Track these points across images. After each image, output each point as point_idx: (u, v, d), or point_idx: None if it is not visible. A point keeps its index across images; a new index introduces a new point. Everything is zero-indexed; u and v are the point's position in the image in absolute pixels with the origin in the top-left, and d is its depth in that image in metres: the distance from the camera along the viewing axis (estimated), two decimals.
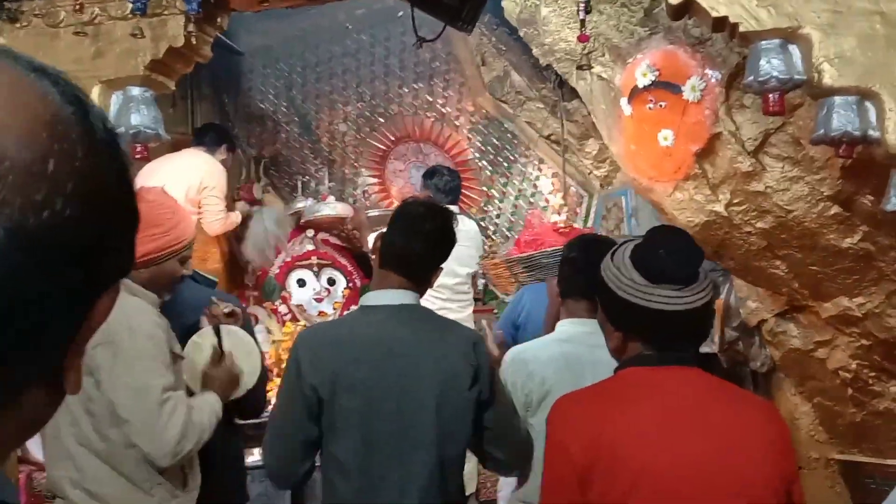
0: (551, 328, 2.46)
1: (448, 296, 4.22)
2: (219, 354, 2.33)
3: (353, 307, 4.05)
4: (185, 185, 4.15)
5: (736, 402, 1.56)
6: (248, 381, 2.41)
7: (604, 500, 1.46)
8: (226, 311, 2.40)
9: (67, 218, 0.48)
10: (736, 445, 1.47)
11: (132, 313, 2.13)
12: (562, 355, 2.29)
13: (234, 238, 4.90)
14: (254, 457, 3.21)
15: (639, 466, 1.45)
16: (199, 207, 4.33)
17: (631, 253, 1.54)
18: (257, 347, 2.47)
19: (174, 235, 2.23)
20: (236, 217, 4.65)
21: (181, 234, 2.26)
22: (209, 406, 2.22)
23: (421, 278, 2.17)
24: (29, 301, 0.48)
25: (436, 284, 4.19)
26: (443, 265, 2.21)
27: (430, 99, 4.86)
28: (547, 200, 4.78)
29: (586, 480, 1.47)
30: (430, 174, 4.44)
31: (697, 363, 1.58)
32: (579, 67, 2.40)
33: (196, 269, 2.71)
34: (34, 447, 3.64)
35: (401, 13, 4.48)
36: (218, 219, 4.41)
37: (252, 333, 2.63)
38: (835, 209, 2.88)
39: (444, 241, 2.18)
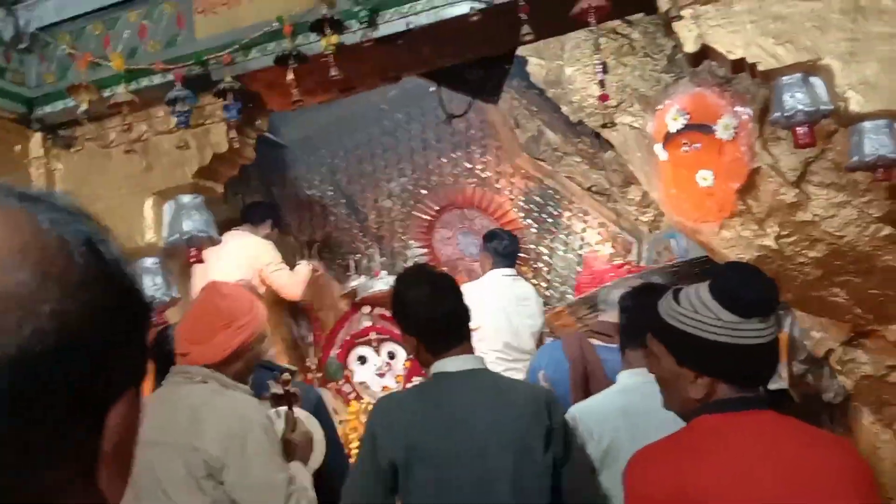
0: (578, 392, 2.46)
1: (515, 356, 4.26)
2: (293, 420, 2.38)
3: (416, 378, 4.08)
4: (242, 269, 4.29)
5: (813, 443, 1.52)
6: (319, 452, 2.46)
7: None
8: (286, 387, 2.46)
9: (53, 342, 0.48)
10: (816, 488, 1.44)
11: (248, 409, 2.20)
12: (618, 410, 2.29)
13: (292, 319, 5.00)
14: None
15: None
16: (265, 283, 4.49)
17: (712, 291, 1.52)
18: (318, 423, 2.52)
19: (258, 321, 2.32)
20: (305, 270, 4.77)
21: (262, 317, 2.35)
22: (306, 479, 2.27)
23: (466, 336, 2.20)
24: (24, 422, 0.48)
25: (501, 345, 4.26)
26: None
27: (469, 166, 4.96)
28: (595, 252, 4.79)
29: None
30: (489, 237, 4.54)
31: (770, 404, 1.56)
32: (603, 126, 2.44)
33: (272, 361, 2.80)
34: None
35: (432, 88, 4.61)
36: (293, 281, 4.59)
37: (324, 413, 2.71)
38: (887, 230, 2.83)
39: (456, 289, 2.22)
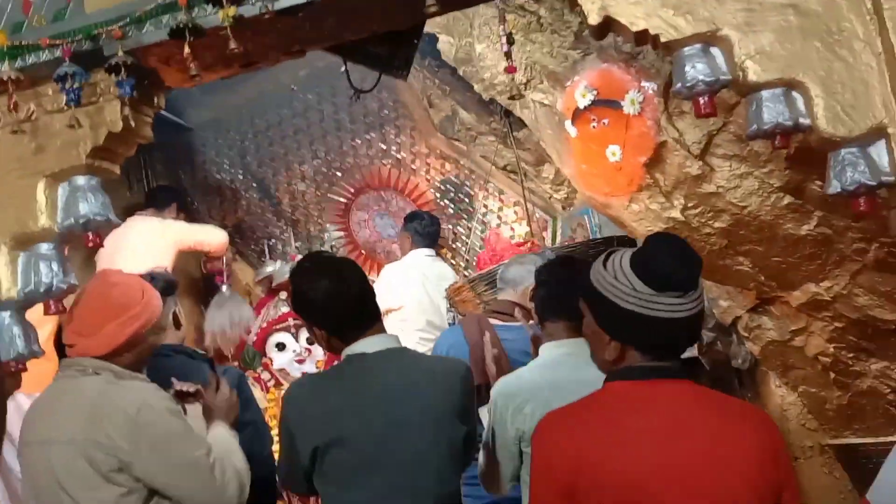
0: (479, 375, 2.49)
1: (438, 335, 4.28)
2: (216, 381, 2.32)
3: (337, 363, 4.04)
4: (154, 254, 4.16)
5: (725, 414, 1.54)
6: None
7: None
8: (191, 390, 2.39)
9: None
10: (724, 457, 1.46)
11: (148, 396, 2.12)
12: (547, 383, 2.29)
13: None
14: None
15: (624, 482, 1.45)
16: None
17: (631, 262, 1.53)
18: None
19: (150, 311, 2.23)
20: (222, 235, 4.75)
21: (155, 307, 2.26)
22: (229, 443, 2.22)
23: (376, 317, 2.18)
24: None
25: (424, 324, 4.27)
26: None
27: (384, 147, 4.91)
28: (513, 229, 4.83)
29: (571, 498, 1.47)
30: (410, 217, 4.62)
31: (686, 374, 1.57)
32: (511, 98, 2.44)
33: (193, 347, 2.72)
34: None
35: (343, 68, 4.54)
36: (211, 239, 4.55)
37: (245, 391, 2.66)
38: (787, 199, 2.93)
39: (355, 271, 2.20)
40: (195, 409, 2.37)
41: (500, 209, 4.85)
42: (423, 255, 4.53)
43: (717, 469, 1.44)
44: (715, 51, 1.99)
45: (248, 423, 2.52)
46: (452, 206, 4.95)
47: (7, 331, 2.23)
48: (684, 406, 1.51)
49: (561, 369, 2.31)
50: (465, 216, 4.95)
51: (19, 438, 2.25)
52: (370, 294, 2.16)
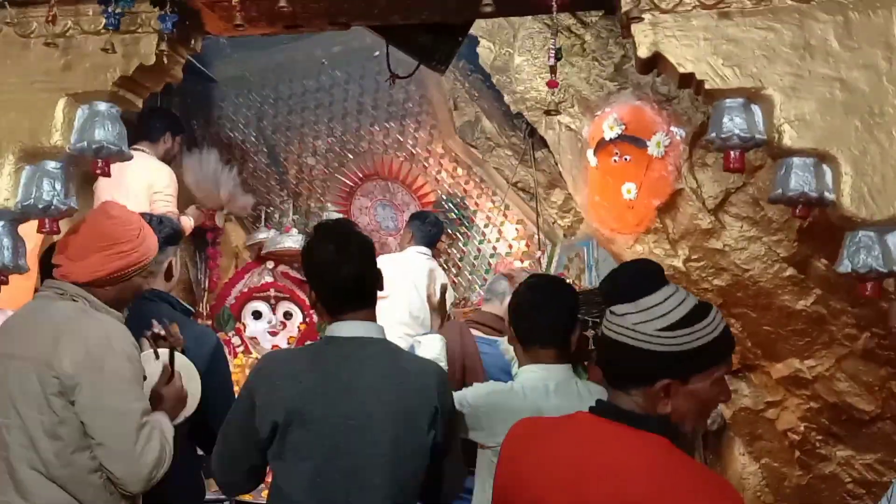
0: (454, 385, 2.46)
1: (421, 331, 4.29)
2: (169, 374, 2.29)
3: (308, 343, 4.02)
4: (140, 199, 4.09)
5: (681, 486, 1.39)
6: (189, 404, 2.37)
7: None
8: (161, 333, 2.37)
9: None
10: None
11: (111, 333, 2.11)
12: (532, 410, 2.27)
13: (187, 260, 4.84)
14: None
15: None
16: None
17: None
18: (197, 373, 2.42)
19: (141, 252, 2.22)
20: (188, 222, 4.58)
21: (147, 250, 2.25)
22: (169, 428, 2.18)
23: (369, 302, 2.15)
24: None
25: (409, 318, 4.25)
26: (381, 281, 2.17)
27: (401, 139, 4.89)
28: (510, 246, 4.82)
29: (503, 501, 1.49)
30: (418, 216, 4.69)
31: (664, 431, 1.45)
32: (547, 112, 2.43)
33: (175, 296, 2.70)
34: None
35: (377, 53, 4.52)
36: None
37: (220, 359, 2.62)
38: (790, 271, 2.93)
39: (368, 249, 2.15)
40: (165, 356, 2.34)
41: (503, 224, 4.84)
42: (418, 252, 4.54)
43: None
44: (755, 108, 1.99)
45: (218, 405, 2.47)
46: (456, 211, 4.93)
47: None
48: (641, 465, 1.40)
49: (545, 396, 2.31)
50: (468, 224, 4.94)
51: None
52: (370, 279, 2.13)
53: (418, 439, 2.06)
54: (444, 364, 2.47)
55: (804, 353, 3.08)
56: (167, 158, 4.51)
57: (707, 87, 1.98)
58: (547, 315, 2.36)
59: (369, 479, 2.00)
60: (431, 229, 4.64)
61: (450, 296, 4.53)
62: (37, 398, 2.04)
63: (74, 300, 2.15)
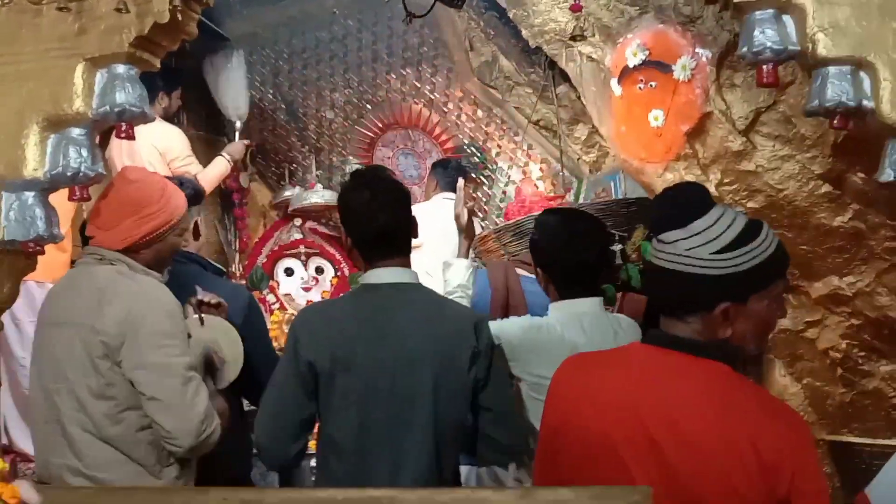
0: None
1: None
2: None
3: (351, 290, 4.06)
4: (145, 159, 4.09)
5: (744, 408, 1.38)
6: (233, 369, 2.39)
7: (569, 463, 1.46)
8: (213, 301, 2.39)
9: None
10: (705, 444, 1.35)
11: (151, 292, 2.14)
12: (564, 341, 2.28)
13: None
14: None
15: (601, 436, 1.42)
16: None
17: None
18: (239, 337, 2.43)
19: (169, 210, 2.24)
20: (224, 167, 4.58)
21: (176, 207, 2.27)
22: (221, 402, 2.21)
23: (404, 249, 2.15)
24: None
25: (432, 268, 4.27)
26: (416, 229, 2.18)
27: (419, 85, 4.83)
28: (535, 186, 4.77)
29: (558, 441, 1.49)
30: (437, 164, 4.71)
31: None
32: (573, 38, 2.38)
33: (206, 257, 2.72)
34: (19, 436, 3.59)
35: None
36: (203, 179, 4.27)
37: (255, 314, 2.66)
38: (826, 188, 2.88)
39: (404, 198, 2.16)
40: (213, 321, 2.36)
41: (527, 164, 4.79)
42: (445, 199, 4.52)
43: (696, 456, 1.35)
44: (787, 19, 1.93)
45: (260, 353, 2.51)
46: (479, 154, 4.89)
47: (29, 210, 2.20)
48: (706, 387, 1.40)
49: (581, 328, 2.31)
50: (491, 166, 4.90)
51: (37, 319, 2.27)
52: (405, 227, 2.14)
53: (460, 379, 2.09)
54: (469, 291, 2.46)
55: (843, 269, 3.03)
56: (168, 116, 4.50)
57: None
58: (572, 250, 2.35)
59: (415, 420, 2.04)
60: (455, 173, 4.62)
61: (477, 223, 4.54)
62: (83, 362, 2.08)
63: (113, 264, 2.17)
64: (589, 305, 2.38)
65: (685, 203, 1.48)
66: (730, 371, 1.42)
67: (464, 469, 2.85)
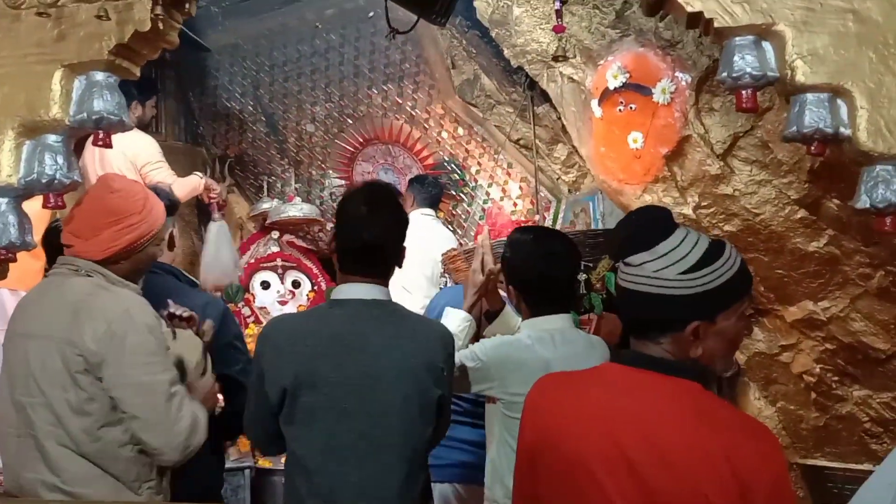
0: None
1: (424, 288, 4.32)
2: (203, 368, 2.27)
3: (320, 305, 4.03)
4: (116, 167, 4.04)
5: (718, 427, 1.38)
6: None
7: (547, 484, 1.45)
8: (184, 315, 2.35)
9: None
10: (680, 464, 1.34)
11: (132, 307, 2.09)
12: (538, 358, 2.28)
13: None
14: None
15: (573, 459, 1.42)
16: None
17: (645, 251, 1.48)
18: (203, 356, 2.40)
19: (151, 220, 2.21)
20: (197, 182, 4.51)
21: (157, 217, 2.23)
22: (201, 413, 2.16)
23: (383, 272, 2.14)
24: None
25: (426, 293, 4.28)
26: (402, 257, 2.17)
27: (400, 101, 4.83)
28: (515, 204, 4.79)
29: (535, 463, 1.48)
30: (417, 180, 4.70)
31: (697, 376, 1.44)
32: (555, 59, 2.39)
33: (180, 268, 2.69)
34: None
35: (371, 13, 4.45)
36: (176, 185, 4.13)
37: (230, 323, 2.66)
38: (802, 213, 2.90)
39: (398, 224, 2.15)
40: (183, 335, 2.33)
41: (506, 182, 4.81)
42: (423, 214, 4.52)
43: (672, 473, 1.34)
44: (767, 45, 1.95)
45: (237, 360, 2.49)
46: (459, 171, 4.90)
47: (2, 217, 2.17)
48: (672, 405, 1.41)
49: (553, 345, 2.31)
50: (471, 183, 4.90)
51: (6, 330, 2.22)
52: (391, 252, 2.12)
53: (427, 397, 2.08)
54: (460, 343, 2.44)
55: (818, 294, 3.06)
56: (142, 126, 4.46)
57: (716, 25, 1.94)
58: (546, 268, 2.36)
59: (383, 438, 2.01)
60: (432, 190, 4.66)
61: (455, 240, 4.54)
62: (61, 376, 2.03)
63: (90, 276, 2.13)
64: (560, 322, 2.39)
65: (650, 225, 1.50)
66: (701, 389, 1.43)
67: (439, 487, 2.84)
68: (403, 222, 2.16)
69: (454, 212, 4.98)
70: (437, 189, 4.70)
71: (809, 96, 1.91)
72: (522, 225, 4.23)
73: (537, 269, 2.38)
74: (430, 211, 4.59)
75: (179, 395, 2.08)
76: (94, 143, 2.19)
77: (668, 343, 1.44)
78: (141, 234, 2.19)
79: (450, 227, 4.90)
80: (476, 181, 4.88)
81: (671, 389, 1.41)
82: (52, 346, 2.04)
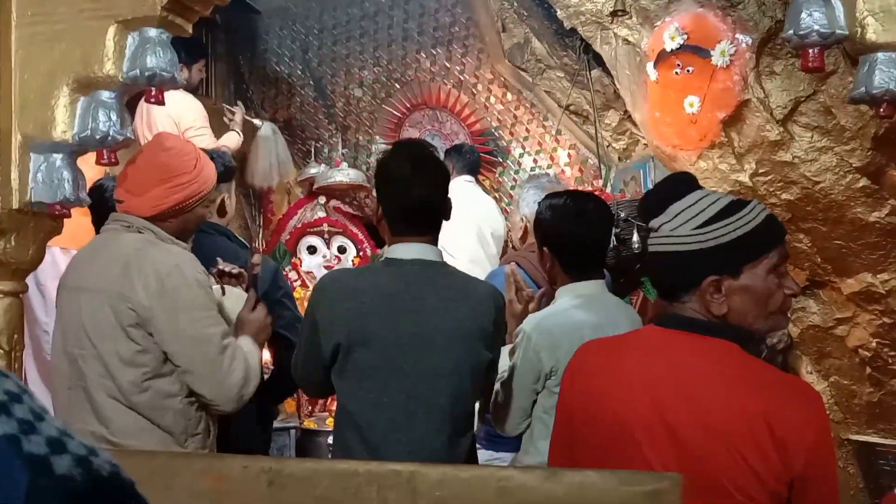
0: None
1: (489, 268, 4.33)
2: (255, 300, 2.30)
3: (373, 263, 4.03)
4: (161, 127, 4.06)
5: (757, 386, 1.36)
6: None
7: (586, 448, 1.43)
8: (234, 271, 2.37)
9: None
10: (723, 424, 1.32)
11: (181, 262, 2.11)
12: (583, 323, 2.25)
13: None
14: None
15: (614, 422, 1.41)
16: None
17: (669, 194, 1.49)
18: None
19: (201, 181, 2.21)
20: (234, 140, 4.55)
21: (207, 178, 2.24)
22: (254, 351, 2.20)
23: (433, 228, 2.12)
24: None
25: (473, 257, 4.28)
26: (449, 211, 2.15)
27: (448, 65, 4.78)
28: (563, 172, 4.72)
29: (574, 426, 1.46)
30: (451, 150, 4.61)
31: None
32: (613, 14, 2.32)
33: (230, 229, 2.71)
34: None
35: None
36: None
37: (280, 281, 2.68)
38: (863, 181, 2.81)
39: (444, 177, 2.12)
40: (233, 292, 2.35)
41: (555, 150, 4.74)
42: (463, 181, 4.53)
43: (709, 434, 1.33)
44: (835, 1, 1.86)
45: (287, 317, 2.52)
46: (508, 137, 4.84)
47: (57, 173, 2.20)
48: (704, 365, 1.39)
49: (594, 310, 2.28)
50: (519, 150, 4.84)
51: (59, 282, 2.25)
52: (439, 205, 2.10)
53: (477, 359, 2.07)
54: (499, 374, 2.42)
55: (877, 266, 2.97)
56: (190, 89, 4.47)
57: None
58: (576, 228, 2.32)
59: (433, 399, 2.01)
60: (470, 156, 4.60)
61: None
62: (112, 329, 2.06)
63: (141, 232, 2.15)
64: (597, 287, 2.36)
65: (670, 189, 1.50)
66: (739, 349, 1.40)
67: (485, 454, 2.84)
68: (447, 175, 2.15)
69: (501, 178, 4.93)
70: (474, 155, 4.65)
71: (880, 55, 1.82)
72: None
73: (568, 228, 2.34)
74: (470, 177, 4.57)
75: (231, 347, 2.10)
76: (147, 100, 2.20)
77: (693, 301, 1.42)
78: (191, 194, 2.19)
79: (496, 194, 4.85)
80: (524, 147, 4.82)
81: (709, 350, 1.39)
82: (104, 299, 2.07)
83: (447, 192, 2.12)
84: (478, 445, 2.91)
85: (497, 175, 4.95)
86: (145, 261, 2.08)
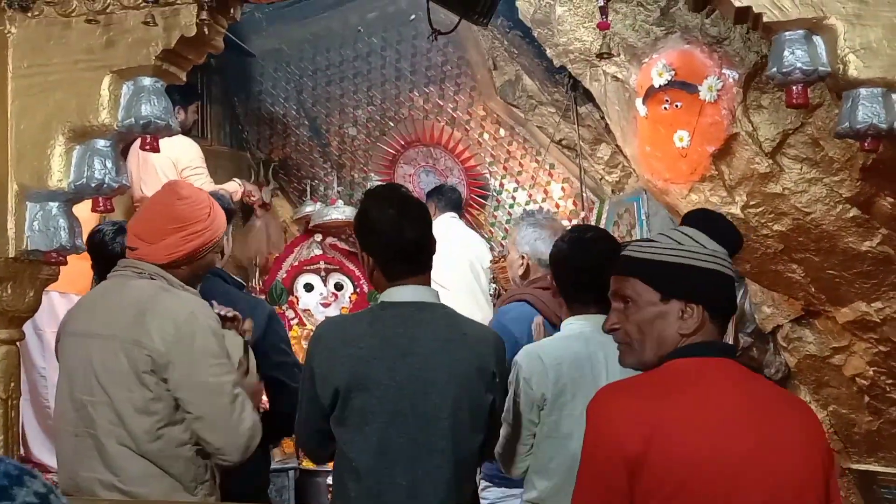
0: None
1: (483, 300, 4.35)
2: (245, 368, 2.29)
3: (371, 307, 4.02)
4: (160, 168, 4.11)
5: (776, 400, 1.48)
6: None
7: (652, 494, 1.38)
8: (228, 314, 2.38)
9: None
10: (779, 442, 1.41)
11: (196, 309, 2.11)
12: (575, 354, 2.25)
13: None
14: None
15: (689, 460, 1.38)
16: None
17: (691, 225, 1.52)
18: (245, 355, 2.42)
19: (214, 228, 2.22)
20: (236, 188, 4.66)
21: (220, 226, 2.25)
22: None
23: (426, 267, 2.13)
24: None
25: (469, 289, 4.30)
26: (434, 247, 2.15)
27: (441, 103, 4.83)
28: (557, 206, 4.75)
29: (636, 473, 1.39)
30: (432, 192, 4.80)
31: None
32: (599, 56, 2.36)
33: (225, 270, 2.71)
34: (38, 447, 3.59)
35: (413, 16, 4.47)
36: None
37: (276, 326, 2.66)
38: (854, 211, 2.83)
39: (426, 214, 2.15)
40: (228, 335, 2.35)
41: (548, 183, 4.77)
42: (448, 217, 4.61)
43: (773, 454, 1.39)
44: (817, 39, 1.91)
45: (283, 362, 2.51)
46: (502, 172, 4.88)
47: (53, 221, 2.22)
48: (739, 387, 1.45)
49: (591, 344, 2.28)
50: (513, 185, 4.88)
51: (60, 328, 2.25)
52: (428, 244, 2.11)
53: (478, 402, 2.06)
54: None
55: (871, 295, 2.98)
56: (184, 130, 4.51)
57: (765, 19, 1.90)
58: (591, 271, 2.32)
59: (434, 443, 1.99)
60: (451, 195, 4.72)
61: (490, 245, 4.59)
62: (125, 376, 2.04)
63: (153, 278, 2.15)
64: (595, 321, 2.36)
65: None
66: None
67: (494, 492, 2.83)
68: (427, 211, 2.18)
69: (495, 213, 4.96)
70: (455, 194, 4.77)
71: (862, 91, 1.86)
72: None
73: (572, 273, 2.35)
74: (454, 214, 4.65)
75: (241, 396, 2.10)
76: (142, 148, 2.24)
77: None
78: (204, 242, 2.21)
79: (491, 228, 4.89)
80: (518, 182, 4.86)
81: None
82: (117, 345, 2.06)
83: (431, 228, 2.13)
84: (489, 483, 2.91)
85: (492, 210, 4.98)
86: (161, 307, 2.08)
